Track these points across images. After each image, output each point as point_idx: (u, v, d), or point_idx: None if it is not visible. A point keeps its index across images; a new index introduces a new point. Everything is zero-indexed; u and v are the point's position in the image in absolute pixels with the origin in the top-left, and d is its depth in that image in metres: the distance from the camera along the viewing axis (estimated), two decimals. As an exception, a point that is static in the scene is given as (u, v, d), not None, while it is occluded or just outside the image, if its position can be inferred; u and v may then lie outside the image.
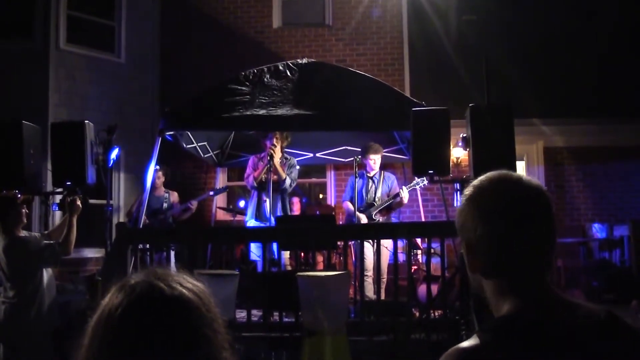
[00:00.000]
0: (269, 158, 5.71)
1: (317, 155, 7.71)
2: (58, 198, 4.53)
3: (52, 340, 3.94)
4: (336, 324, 3.68)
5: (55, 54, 8.15)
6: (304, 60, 5.84)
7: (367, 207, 5.79)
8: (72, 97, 8.23)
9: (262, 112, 5.35)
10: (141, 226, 5.68)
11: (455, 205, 5.07)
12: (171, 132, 5.89)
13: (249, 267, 5.91)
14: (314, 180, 9.36)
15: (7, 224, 3.88)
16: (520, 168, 8.58)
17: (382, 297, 5.17)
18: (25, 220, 3.99)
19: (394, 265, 4.63)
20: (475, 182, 1.17)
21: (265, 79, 5.55)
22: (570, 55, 8.63)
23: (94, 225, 6.69)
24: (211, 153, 7.35)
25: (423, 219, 7.35)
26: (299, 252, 5.28)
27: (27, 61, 8.08)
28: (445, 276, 4.83)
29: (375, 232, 4.96)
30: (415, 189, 6.02)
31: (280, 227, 5.32)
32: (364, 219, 5.69)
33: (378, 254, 4.91)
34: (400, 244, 5.01)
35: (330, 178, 8.95)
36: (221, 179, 8.61)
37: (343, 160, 7.77)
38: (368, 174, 5.91)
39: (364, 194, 5.84)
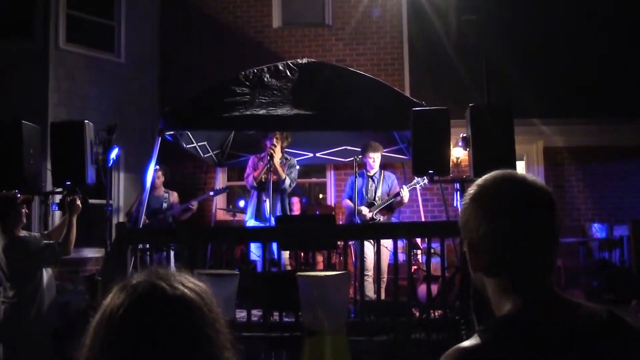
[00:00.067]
0: (269, 158, 5.71)
1: (317, 155, 7.71)
2: (58, 198, 4.52)
3: (52, 340, 3.93)
4: (336, 324, 3.68)
5: (55, 53, 8.15)
6: (304, 60, 5.85)
7: (367, 207, 5.79)
8: (72, 96, 8.22)
9: (262, 112, 5.34)
10: (141, 226, 5.68)
11: (455, 205, 5.07)
12: (171, 132, 5.88)
13: (249, 267, 5.90)
14: (314, 180, 9.35)
15: (7, 224, 3.88)
16: (520, 168, 8.57)
17: (382, 297, 5.17)
18: (25, 220, 3.98)
19: (394, 265, 4.63)
20: (479, 181, 1.17)
21: (265, 79, 5.55)
22: (570, 55, 8.63)
23: (93, 225, 6.69)
24: (211, 153, 7.35)
25: (423, 219, 7.36)
26: (299, 252, 5.28)
27: (27, 61, 8.08)
28: (445, 276, 4.84)
29: (375, 232, 4.95)
30: (415, 189, 6.02)
31: (280, 227, 5.32)
32: (364, 211, 5.69)
33: (378, 254, 4.91)
34: (400, 243, 5.01)
35: (330, 178, 8.95)
36: (221, 179, 8.60)
37: (343, 160, 7.77)
38: (368, 173, 5.91)
39: (364, 193, 5.84)
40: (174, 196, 6.73)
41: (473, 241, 1.13)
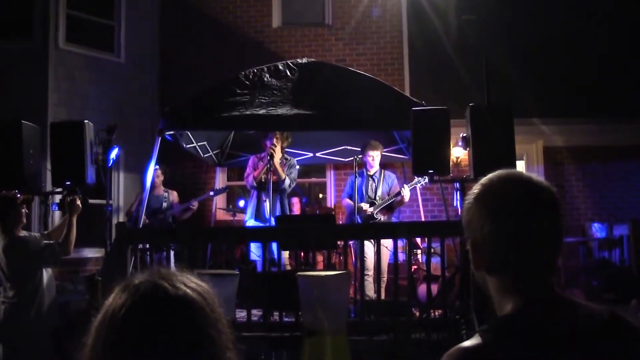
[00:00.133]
0: (269, 158, 5.71)
1: (317, 155, 7.71)
2: (58, 198, 4.52)
3: (52, 340, 3.93)
4: (336, 323, 3.68)
5: (54, 53, 8.15)
6: (304, 60, 5.84)
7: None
8: (72, 96, 8.22)
9: (262, 111, 5.34)
10: (141, 226, 5.68)
11: (454, 205, 5.07)
12: (171, 132, 5.88)
13: (249, 267, 5.91)
14: (313, 180, 9.35)
15: (6, 224, 3.88)
16: (520, 168, 8.57)
17: (382, 296, 5.17)
18: (25, 220, 3.98)
19: (394, 264, 4.62)
20: (483, 180, 1.17)
21: (265, 79, 5.55)
22: (570, 55, 8.63)
23: (93, 225, 6.69)
24: (211, 153, 7.35)
25: (423, 219, 7.36)
26: (299, 252, 5.28)
27: (27, 61, 8.07)
28: (445, 276, 4.83)
29: (375, 232, 4.95)
30: (415, 188, 6.02)
31: (280, 227, 5.32)
32: (365, 206, 5.69)
33: (378, 254, 4.91)
34: (400, 243, 5.01)
35: (330, 178, 8.95)
36: (221, 179, 8.60)
37: (343, 160, 7.77)
38: (368, 172, 5.91)
39: (364, 192, 5.84)
40: (173, 195, 6.72)
41: (476, 240, 1.13)
